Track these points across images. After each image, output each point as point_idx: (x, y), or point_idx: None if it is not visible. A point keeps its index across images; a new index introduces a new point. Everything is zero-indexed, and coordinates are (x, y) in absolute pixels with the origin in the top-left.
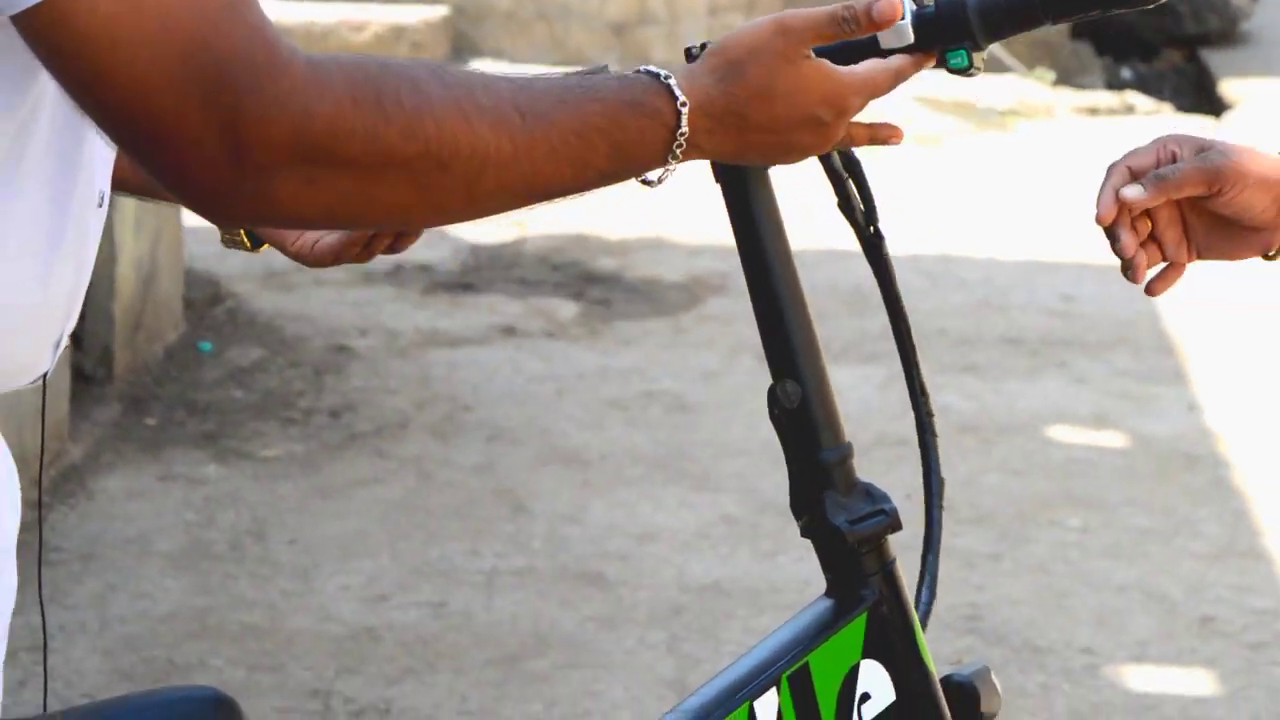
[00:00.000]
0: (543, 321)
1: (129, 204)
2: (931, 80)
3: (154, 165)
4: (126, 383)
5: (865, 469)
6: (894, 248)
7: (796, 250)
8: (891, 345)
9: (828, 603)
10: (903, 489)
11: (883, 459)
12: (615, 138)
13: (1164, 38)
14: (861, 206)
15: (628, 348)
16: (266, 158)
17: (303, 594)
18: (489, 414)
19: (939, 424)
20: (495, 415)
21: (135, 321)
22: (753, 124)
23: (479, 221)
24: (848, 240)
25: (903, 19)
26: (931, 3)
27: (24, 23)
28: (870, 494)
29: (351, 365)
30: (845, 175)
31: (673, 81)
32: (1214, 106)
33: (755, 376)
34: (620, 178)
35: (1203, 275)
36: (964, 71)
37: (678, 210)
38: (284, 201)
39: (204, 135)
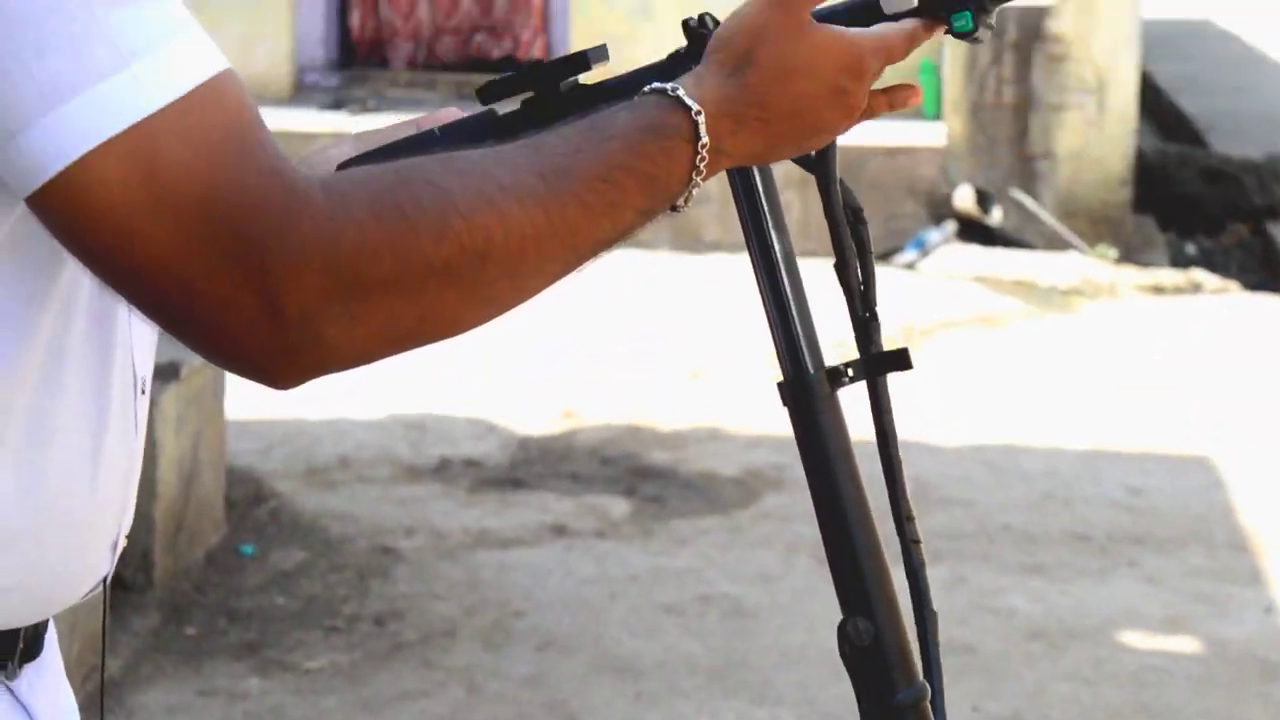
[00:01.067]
0: (594, 520)
1: (169, 401)
2: (992, 259)
3: (192, 337)
4: (166, 590)
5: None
6: (956, 436)
7: (854, 440)
8: (956, 544)
9: None
10: (969, 700)
11: (948, 668)
12: (642, 170)
13: (1229, 211)
14: (861, 285)
15: (682, 548)
16: (305, 304)
17: None
18: (540, 620)
19: (1005, 627)
20: (546, 621)
21: (176, 524)
22: (776, 111)
23: (529, 412)
24: (908, 430)
25: None
26: None
27: (37, 203)
28: None
29: (397, 568)
30: (865, 315)
31: (680, 92)
32: None
33: (814, 578)
34: (657, 209)
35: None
36: (969, 35)
37: (733, 401)
38: (336, 345)
39: (235, 295)
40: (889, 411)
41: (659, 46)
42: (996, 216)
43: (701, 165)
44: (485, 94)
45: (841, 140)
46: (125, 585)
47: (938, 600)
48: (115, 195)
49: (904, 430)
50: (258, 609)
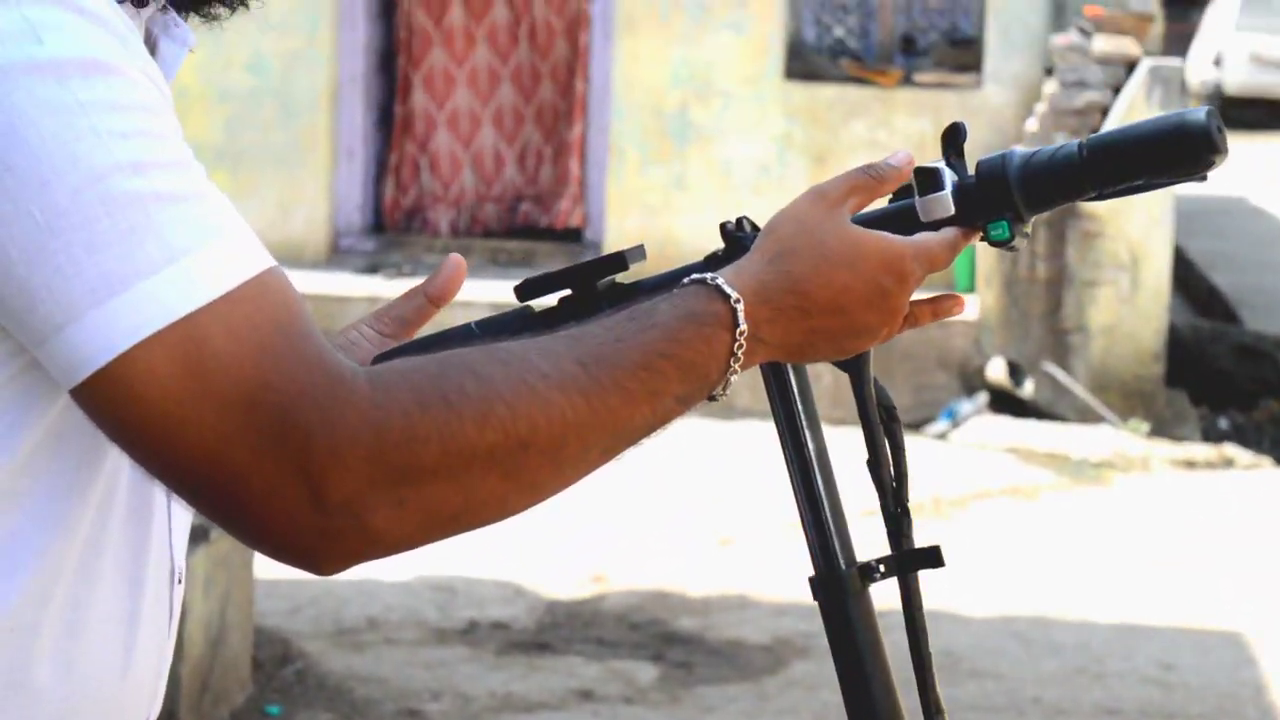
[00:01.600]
0: (621, 685)
1: (198, 562)
2: (1024, 431)
3: (236, 524)
4: None
5: None
6: (987, 607)
7: (881, 610)
8: (986, 717)
9: None
10: None
11: None
12: (682, 358)
13: (1262, 386)
14: (893, 481)
15: (709, 715)
16: (349, 491)
17: None
18: None
19: None
20: None
21: (202, 684)
22: (816, 302)
23: (558, 576)
24: (937, 600)
25: (943, 190)
26: (973, 172)
27: (81, 394)
28: None
29: None
30: (898, 511)
31: (720, 281)
32: None
33: None
34: (696, 396)
35: None
36: (1005, 244)
37: (762, 568)
38: (382, 531)
39: (280, 483)
40: (920, 608)
41: (694, 218)
42: (1028, 389)
43: (739, 353)
44: (523, 291)
45: None
46: None
47: None
48: (162, 387)
49: (934, 600)
50: None
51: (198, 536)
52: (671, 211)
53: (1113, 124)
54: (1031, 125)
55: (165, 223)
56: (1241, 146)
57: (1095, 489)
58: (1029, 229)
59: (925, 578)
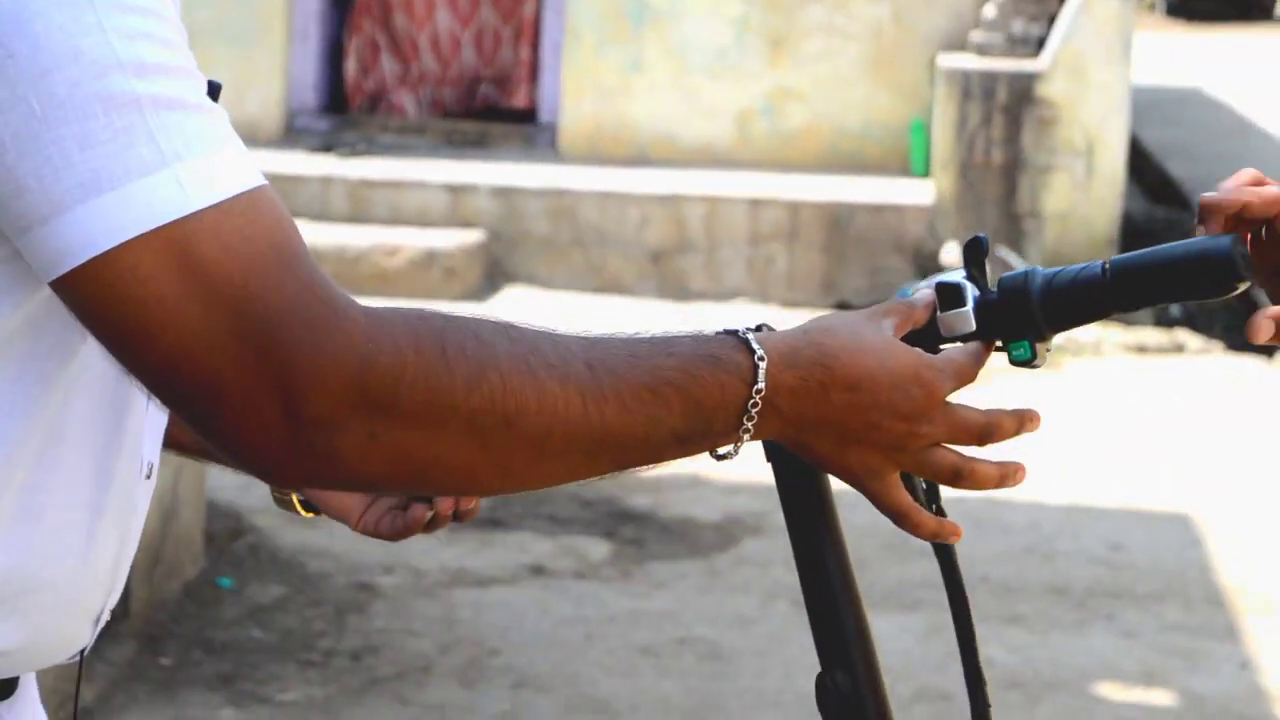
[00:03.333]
0: (573, 561)
1: None
2: None
3: (206, 427)
4: (143, 620)
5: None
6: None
7: (835, 491)
8: (933, 593)
9: None
10: None
11: (924, 715)
12: (691, 393)
13: None
14: (924, 486)
15: (660, 590)
16: (323, 412)
17: None
18: (515, 659)
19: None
20: (522, 660)
21: (154, 557)
22: (840, 379)
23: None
24: None
25: (965, 306)
26: (995, 289)
27: (63, 286)
28: None
29: (375, 604)
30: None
31: (750, 336)
32: (1266, 345)
33: (792, 624)
34: (695, 442)
35: (1257, 522)
36: (1027, 364)
37: None
38: (346, 460)
39: (257, 394)
40: (958, 578)
41: (650, 101)
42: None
43: (754, 411)
44: None
45: (829, 196)
46: None
47: (916, 649)
48: (146, 287)
49: None
50: (234, 641)
51: None
52: (628, 95)
53: (1070, 13)
54: (989, 11)
55: (161, 127)
56: (1198, 38)
57: (1047, 373)
58: (1051, 346)
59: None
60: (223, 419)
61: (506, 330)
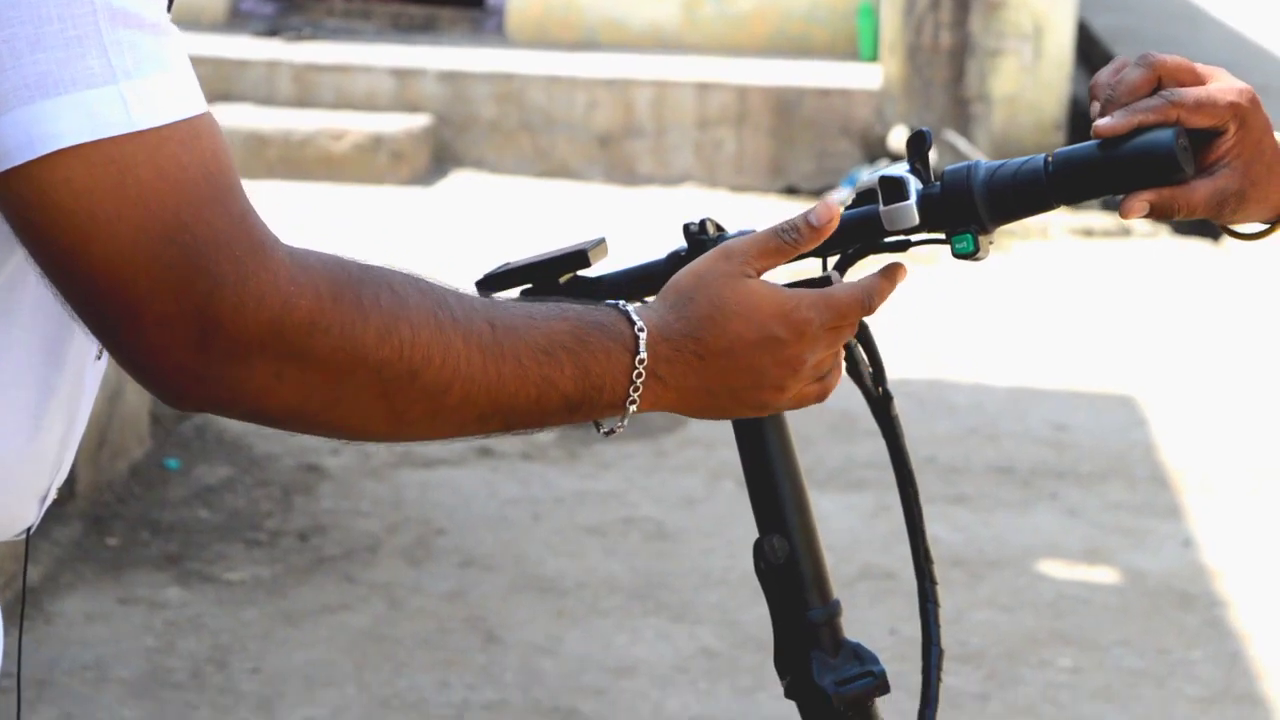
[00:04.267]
0: (520, 443)
1: None
2: None
3: (116, 344)
4: (89, 501)
5: (849, 602)
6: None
7: None
8: (879, 473)
9: None
10: (887, 624)
11: (867, 592)
12: (581, 358)
13: None
14: (869, 368)
15: (607, 471)
16: (236, 346)
17: None
18: (462, 539)
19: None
20: (469, 540)
21: (100, 438)
22: (711, 348)
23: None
24: None
25: (908, 199)
26: (938, 182)
27: None
28: (859, 655)
29: (322, 485)
30: (853, 339)
31: (630, 308)
32: (1212, 229)
33: (736, 504)
34: (582, 411)
35: (1200, 403)
36: (969, 256)
37: None
38: (249, 393)
39: (175, 321)
40: (906, 461)
41: None
42: (931, 158)
43: (639, 382)
44: (484, 285)
45: (777, 80)
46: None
47: (861, 528)
48: (78, 200)
49: None
50: (180, 522)
51: None
52: None
53: None
54: None
55: (115, 42)
56: None
57: (995, 255)
58: (993, 240)
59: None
60: (136, 340)
61: (417, 283)
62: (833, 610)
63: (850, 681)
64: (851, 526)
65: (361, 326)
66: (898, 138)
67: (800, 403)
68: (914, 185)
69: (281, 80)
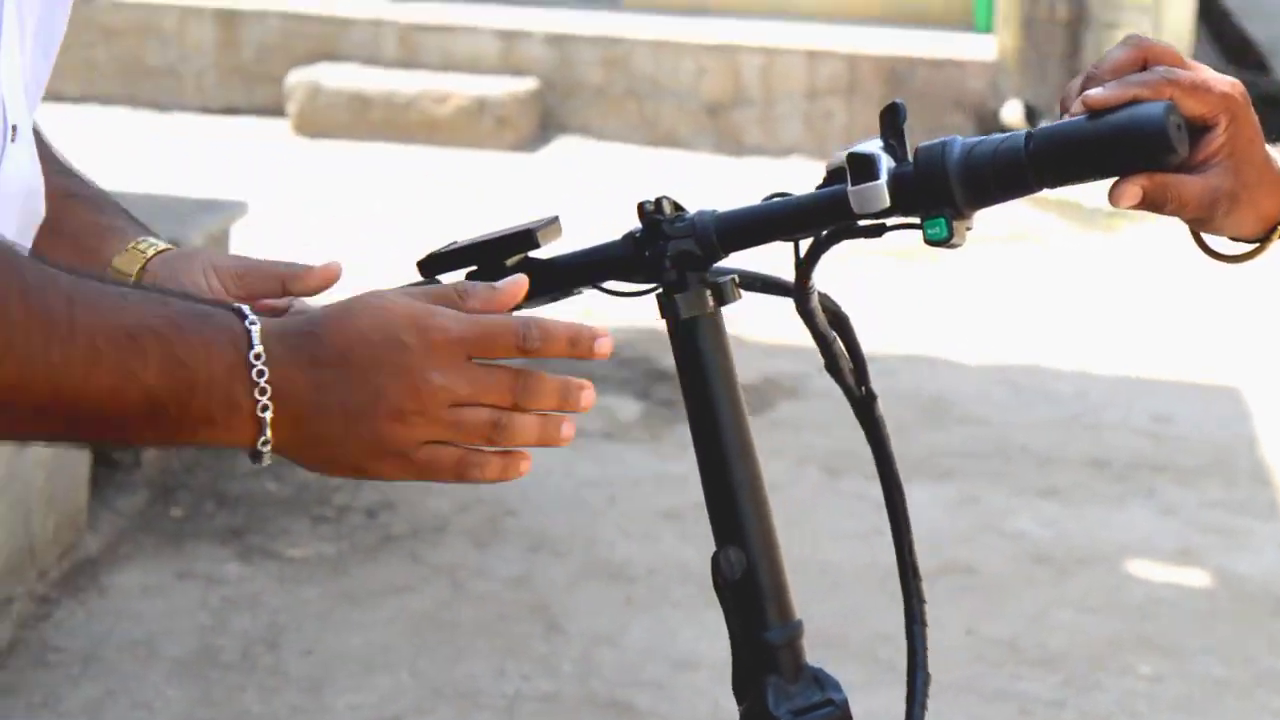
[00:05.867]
0: (603, 421)
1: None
2: None
3: None
4: (155, 470)
5: (929, 599)
6: (982, 354)
7: (874, 355)
8: (969, 463)
9: None
10: (964, 623)
11: (946, 588)
12: (172, 346)
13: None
14: (851, 366)
15: (689, 453)
16: None
17: (310, 711)
18: (533, 520)
19: (1011, 549)
20: (540, 522)
21: None
22: (329, 347)
23: (548, 309)
24: (932, 346)
25: (877, 178)
26: (910, 160)
27: None
28: (819, 681)
29: None
30: (832, 334)
31: (244, 306)
32: None
33: (821, 492)
34: (172, 415)
35: None
36: (943, 243)
37: (754, 308)
38: None
39: None
40: (892, 465)
41: None
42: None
43: (261, 380)
44: (426, 267)
45: (889, 49)
46: (111, 463)
47: (944, 521)
48: None
49: (927, 345)
50: (247, 494)
51: None
52: None
53: None
54: None
55: None
56: None
57: (1105, 237)
58: (971, 224)
59: (918, 322)
60: None
61: (2, 243)
62: (793, 631)
63: (808, 711)
64: (934, 519)
65: None
66: (1011, 112)
67: (431, 464)
68: (885, 164)
69: (386, 39)
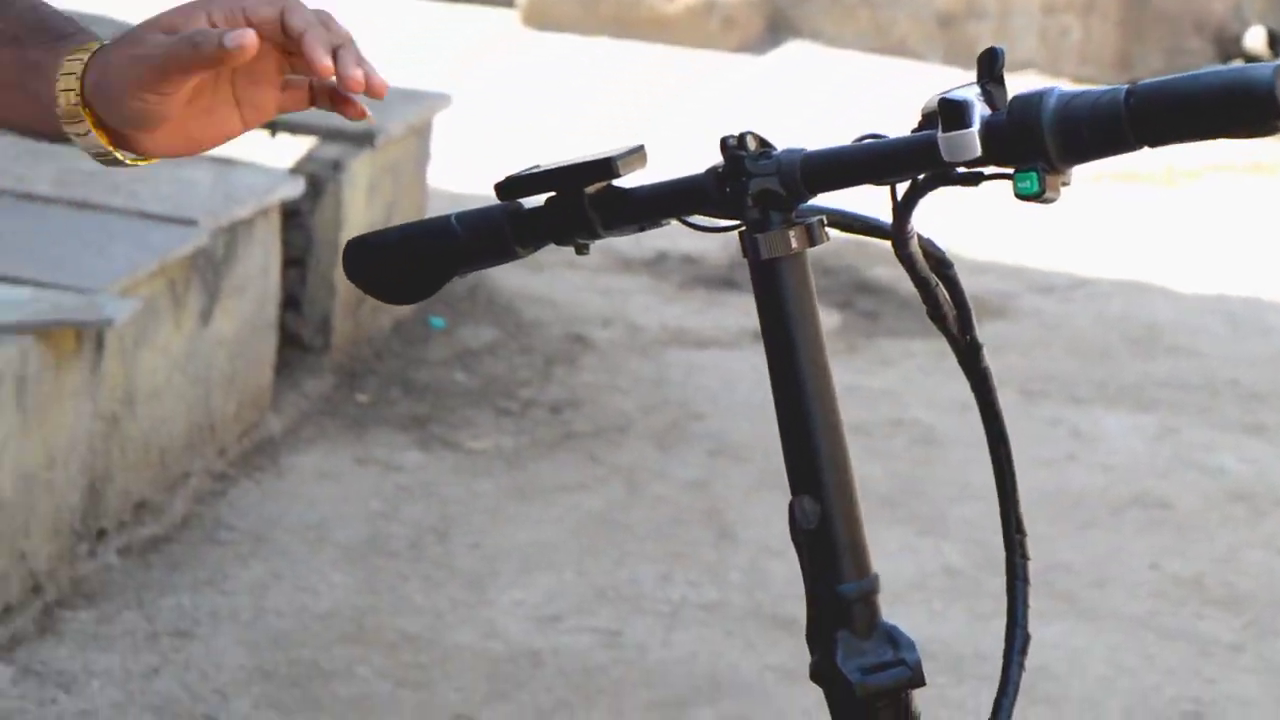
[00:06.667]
0: None
1: (361, 167)
2: None
3: None
4: (345, 354)
5: (1117, 531)
6: (1200, 284)
7: (1087, 278)
8: (1175, 394)
9: None
10: (1149, 556)
11: (1135, 521)
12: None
13: None
14: (955, 312)
15: (885, 368)
16: None
17: (472, 605)
18: (718, 425)
19: (1209, 485)
20: (724, 427)
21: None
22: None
23: None
24: (1149, 273)
25: (969, 126)
26: (1004, 109)
27: None
28: (893, 639)
29: (585, 357)
30: (935, 279)
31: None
32: None
33: (1014, 414)
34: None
35: None
36: (1035, 197)
37: (967, 222)
38: None
39: None
40: (998, 418)
41: None
42: None
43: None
44: (504, 190)
45: None
46: (303, 345)
47: (1143, 452)
48: None
49: (1144, 272)
50: (434, 383)
51: (362, 141)
52: None
53: None
54: None
55: None
56: None
57: None
58: (1069, 179)
59: (1137, 248)
60: None
61: None
62: (868, 586)
63: (877, 670)
64: (1133, 448)
65: None
66: (1254, 38)
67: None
68: (978, 111)
69: None
